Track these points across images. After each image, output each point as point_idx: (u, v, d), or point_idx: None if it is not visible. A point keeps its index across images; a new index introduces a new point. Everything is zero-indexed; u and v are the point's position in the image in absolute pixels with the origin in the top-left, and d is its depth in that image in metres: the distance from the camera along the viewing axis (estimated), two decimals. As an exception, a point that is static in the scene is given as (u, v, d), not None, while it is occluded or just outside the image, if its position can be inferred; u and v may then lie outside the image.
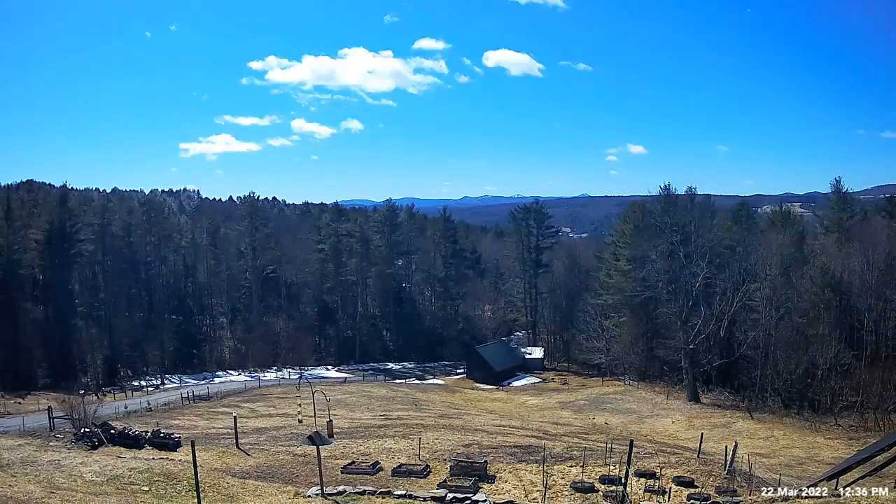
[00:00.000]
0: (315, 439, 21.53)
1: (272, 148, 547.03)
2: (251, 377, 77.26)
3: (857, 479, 18.71)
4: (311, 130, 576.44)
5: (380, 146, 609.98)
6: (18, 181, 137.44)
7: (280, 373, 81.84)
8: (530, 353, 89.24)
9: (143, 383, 74.77)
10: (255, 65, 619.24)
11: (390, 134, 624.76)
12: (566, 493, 23.10)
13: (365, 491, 20.99)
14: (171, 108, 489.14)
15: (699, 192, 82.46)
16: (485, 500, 20.30)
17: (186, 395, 57.96)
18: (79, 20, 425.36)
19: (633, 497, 21.56)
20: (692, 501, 22.05)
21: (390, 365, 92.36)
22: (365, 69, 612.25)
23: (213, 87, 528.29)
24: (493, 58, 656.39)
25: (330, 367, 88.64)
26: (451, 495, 20.44)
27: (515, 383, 77.53)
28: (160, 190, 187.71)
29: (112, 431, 29.48)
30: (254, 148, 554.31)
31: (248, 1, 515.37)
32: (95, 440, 28.25)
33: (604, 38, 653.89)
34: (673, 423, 52.75)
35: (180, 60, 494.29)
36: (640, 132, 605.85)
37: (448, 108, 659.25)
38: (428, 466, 26.61)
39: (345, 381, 75.12)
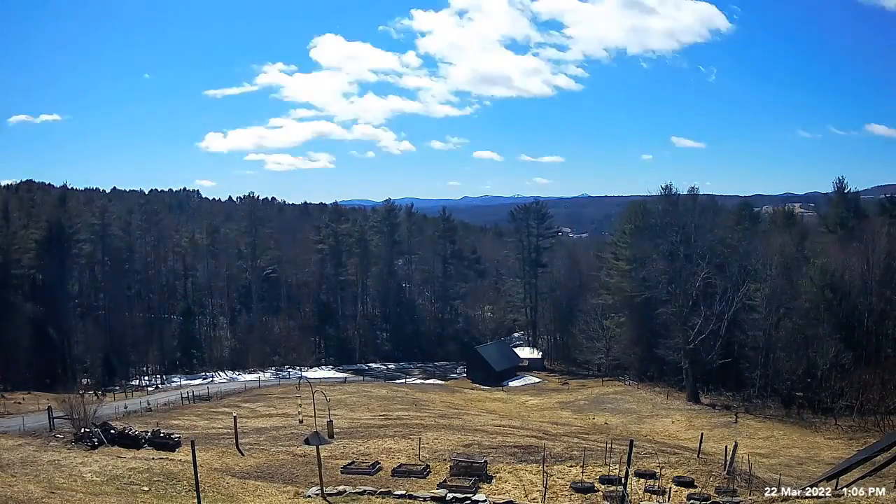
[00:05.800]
0: (314, 439, 21.50)
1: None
2: (251, 377, 77.23)
3: (857, 479, 18.74)
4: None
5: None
6: (18, 181, 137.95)
7: (280, 373, 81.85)
8: (530, 353, 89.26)
9: (142, 383, 74.79)
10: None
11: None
12: (566, 493, 23.07)
13: (365, 491, 20.96)
14: (173, 109, 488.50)
15: (700, 192, 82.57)
16: (485, 501, 20.25)
17: (186, 395, 57.90)
18: (80, 21, 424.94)
19: (633, 497, 21.53)
20: (692, 501, 22.03)
21: (390, 365, 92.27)
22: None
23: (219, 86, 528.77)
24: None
25: (329, 368, 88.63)
26: (451, 495, 20.40)
27: (515, 383, 77.49)
28: (160, 190, 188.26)
29: (112, 431, 29.41)
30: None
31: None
32: (95, 440, 28.18)
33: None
34: (673, 423, 52.78)
35: (184, 58, 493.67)
36: (640, 131, 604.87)
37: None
38: (428, 466, 26.58)
39: (344, 381, 75.11)
